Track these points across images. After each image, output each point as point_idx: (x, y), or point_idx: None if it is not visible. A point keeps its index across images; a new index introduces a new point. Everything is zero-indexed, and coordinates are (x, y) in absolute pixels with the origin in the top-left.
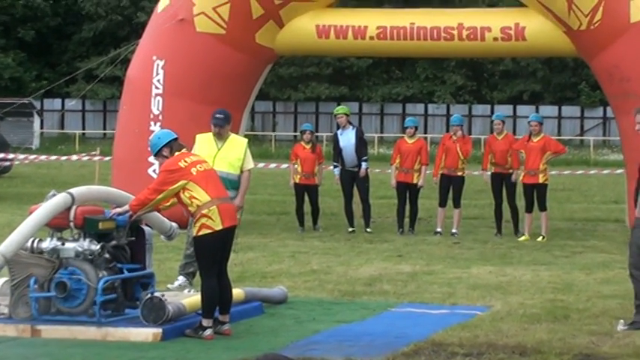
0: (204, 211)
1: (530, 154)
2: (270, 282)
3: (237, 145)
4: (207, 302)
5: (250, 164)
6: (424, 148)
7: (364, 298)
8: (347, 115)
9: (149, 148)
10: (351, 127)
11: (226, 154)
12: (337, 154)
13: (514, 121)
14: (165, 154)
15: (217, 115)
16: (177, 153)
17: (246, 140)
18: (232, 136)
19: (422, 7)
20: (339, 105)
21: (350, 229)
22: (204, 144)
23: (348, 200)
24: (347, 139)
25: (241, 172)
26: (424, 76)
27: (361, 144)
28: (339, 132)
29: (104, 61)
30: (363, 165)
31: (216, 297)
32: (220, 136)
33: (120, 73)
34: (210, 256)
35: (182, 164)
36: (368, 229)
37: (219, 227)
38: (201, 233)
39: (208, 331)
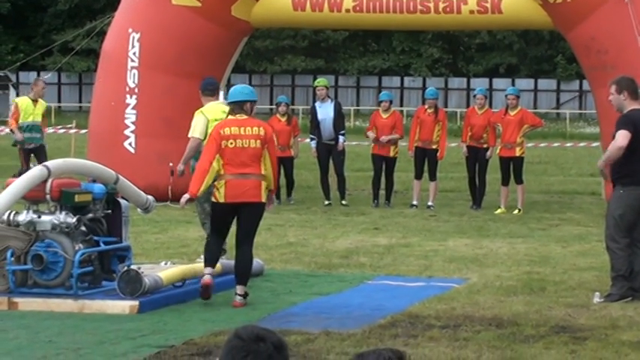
0: (216, 182)
1: (507, 128)
2: None
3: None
4: (205, 252)
5: (190, 131)
6: (399, 121)
7: (341, 271)
8: (327, 87)
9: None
10: (329, 100)
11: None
12: (314, 126)
13: (490, 94)
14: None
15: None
16: (230, 117)
17: (203, 107)
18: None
19: None
20: (315, 78)
21: (326, 202)
22: None
23: (324, 173)
24: (325, 112)
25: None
26: (400, 48)
27: (339, 118)
28: (317, 104)
29: (80, 33)
30: (341, 139)
31: (212, 251)
32: None
33: (96, 46)
34: (215, 221)
35: (222, 132)
36: (343, 202)
37: (222, 200)
38: (212, 199)
39: (206, 277)
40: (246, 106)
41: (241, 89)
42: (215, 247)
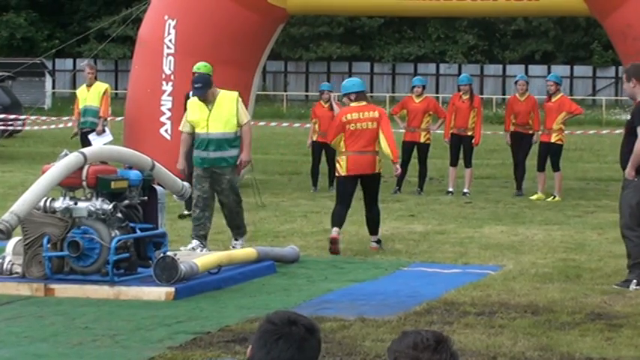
0: (338, 158)
1: (546, 114)
2: (282, 241)
3: (227, 102)
4: (332, 217)
5: (245, 117)
6: (434, 105)
7: (376, 258)
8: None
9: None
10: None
11: (219, 114)
12: None
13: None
14: (351, 98)
15: (195, 86)
16: (352, 104)
17: (235, 94)
18: (221, 93)
19: None
20: (350, 65)
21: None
22: (196, 108)
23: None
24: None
25: (240, 127)
26: (436, 35)
27: None
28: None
29: (116, 20)
30: None
31: (335, 216)
32: (208, 101)
33: (132, 33)
34: (340, 192)
35: (344, 119)
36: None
37: (344, 173)
38: (335, 174)
39: (333, 231)
40: (366, 94)
41: (360, 81)
42: (341, 213)
